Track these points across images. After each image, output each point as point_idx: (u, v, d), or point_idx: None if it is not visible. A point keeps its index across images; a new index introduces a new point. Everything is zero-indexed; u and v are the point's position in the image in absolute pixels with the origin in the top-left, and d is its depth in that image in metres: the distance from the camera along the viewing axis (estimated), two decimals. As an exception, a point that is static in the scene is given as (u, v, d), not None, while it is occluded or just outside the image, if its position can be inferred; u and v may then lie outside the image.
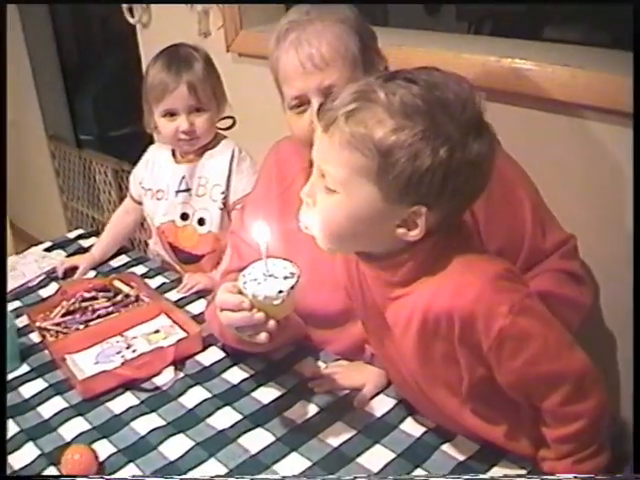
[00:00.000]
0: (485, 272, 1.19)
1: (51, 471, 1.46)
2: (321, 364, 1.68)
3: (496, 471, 1.34)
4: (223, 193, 2.11)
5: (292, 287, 1.30)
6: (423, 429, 1.46)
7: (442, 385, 1.32)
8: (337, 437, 1.46)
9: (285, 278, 1.31)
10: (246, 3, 2.50)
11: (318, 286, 1.61)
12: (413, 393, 1.42)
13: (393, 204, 1.15)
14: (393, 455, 1.41)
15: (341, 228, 1.21)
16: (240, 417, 1.55)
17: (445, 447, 1.41)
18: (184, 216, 2.18)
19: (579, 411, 1.21)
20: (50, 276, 2.27)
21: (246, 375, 1.68)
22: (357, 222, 1.19)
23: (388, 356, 1.42)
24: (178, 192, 2.16)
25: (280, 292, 1.30)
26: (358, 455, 1.42)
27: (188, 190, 2.16)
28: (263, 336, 1.35)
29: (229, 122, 2.17)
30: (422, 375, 1.33)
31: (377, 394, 1.57)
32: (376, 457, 1.41)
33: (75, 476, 1.33)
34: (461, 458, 1.38)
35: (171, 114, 2.07)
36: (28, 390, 1.73)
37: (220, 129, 2.18)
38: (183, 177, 2.15)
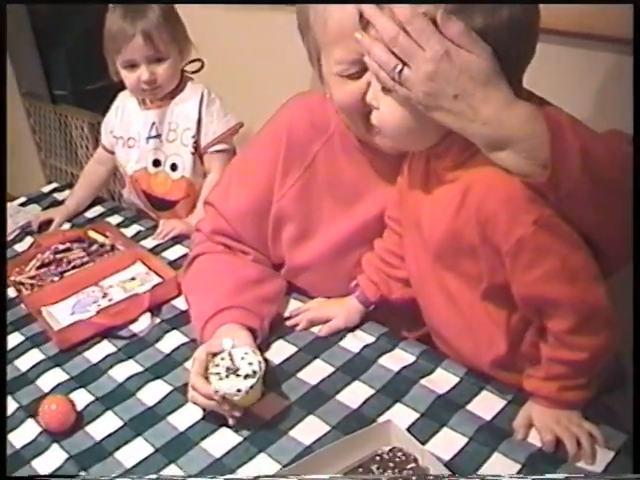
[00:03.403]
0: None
1: (30, 423, 1.45)
2: (299, 303, 1.67)
3: (477, 403, 1.34)
4: (194, 137, 2.08)
5: (251, 387, 1.33)
6: (402, 364, 1.45)
7: (460, 275, 1.30)
8: (315, 375, 1.46)
9: (246, 377, 1.34)
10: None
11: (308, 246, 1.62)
12: (425, 287, 1.41)
13: None
14: (372, 391, 1.40)
15: (406, 123, 1.21)
16: (217, 360, 1.54)
17: (424, 381, 1.41)
18: (156, 162, 2.15)
19: (584, 344, 1.20)
20: (25, 230, 2.24)
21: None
22: (419, 114, 1.17)
23: (414, 243, 1.40)
24: (149, 138, 2.13)
25: (238, 391, 1.33)
26: (337, 392, 1.41)
27: (159, 136, 2.13)
28: (230, 421, 1.37)
29: (197, 65, 2.13)
30: (445, 260, 1.32)
31: (353, 330, 1.57)
32: (355, 394, 1.40)
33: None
34: (441, 391, 1.38)
35: (131, 65, 2.04)
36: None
37: (188, 72, 2.14)
38: (153, 123, 2.12)
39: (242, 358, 1.37)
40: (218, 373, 1.36)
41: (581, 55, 1.72)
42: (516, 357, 1.32)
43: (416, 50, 1.09)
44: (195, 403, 1.40)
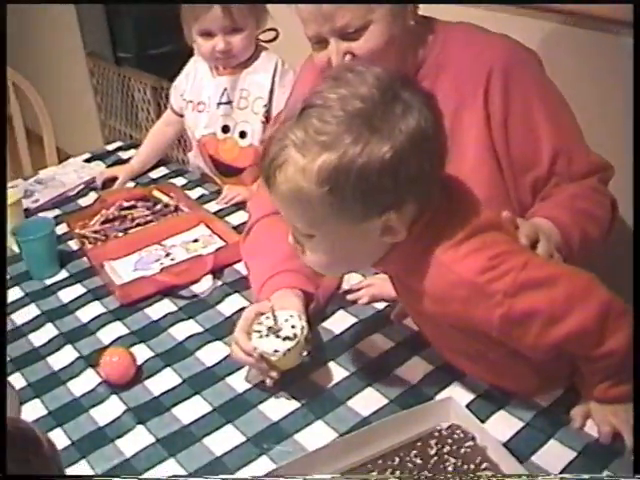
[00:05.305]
0: (468, 272, 1.13)
1: (89, 373, 1.48)
2: (360, 277, 1.66)
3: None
4: (265, 106, 2.08)
5: (289, 349, 1.34)
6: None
7: (465, 355, 1.33)
8: (375, 348, 1.47)
9: (285, 339, 1.36)
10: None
11: None
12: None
13: (362, 224, 1.13)
14: (432, 367, 1.40)
15: (335, 262, 1.23)
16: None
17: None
18: (225, 129, 2.15)
19: (612, 347, 1.16)
20: (89, 186, 2.28)
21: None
22: (344, 252, 1.20)
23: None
24: (219, 104, 2.13)
25: (276, 351, 1.34)
26: (396, 367, 1.41)
27: (229, 102, 2.13)
28: (267, 381, 1.39)
29: (272, 34, 2.13)
30: (446, 347, 1.36)
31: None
32: (412, 369, 1.41)
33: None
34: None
35: (208, 34, 2.03)
36: (67, 295, 1.75)
37: (262, 41, 2.14)
38: (225, 89, 2.12)
39: (286, 320, 1.39)
40: (259, 331, 1.38)
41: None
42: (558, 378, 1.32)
43: None
44: (235, 358, 1.42)
